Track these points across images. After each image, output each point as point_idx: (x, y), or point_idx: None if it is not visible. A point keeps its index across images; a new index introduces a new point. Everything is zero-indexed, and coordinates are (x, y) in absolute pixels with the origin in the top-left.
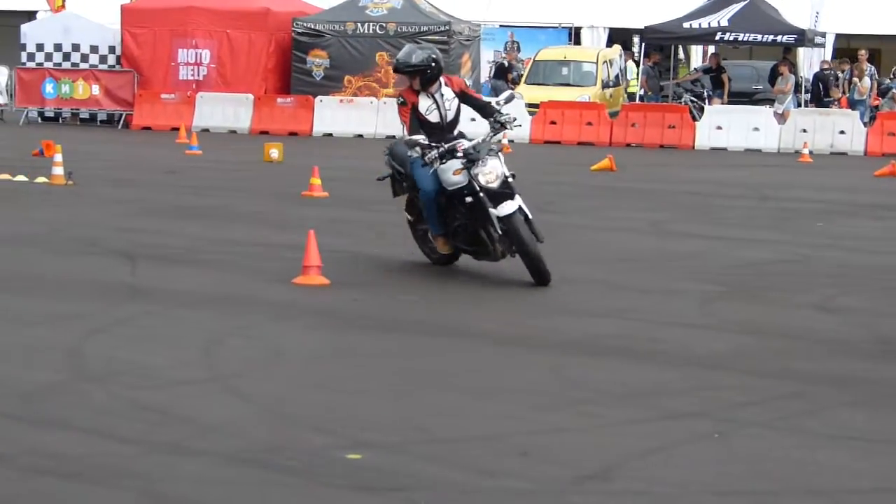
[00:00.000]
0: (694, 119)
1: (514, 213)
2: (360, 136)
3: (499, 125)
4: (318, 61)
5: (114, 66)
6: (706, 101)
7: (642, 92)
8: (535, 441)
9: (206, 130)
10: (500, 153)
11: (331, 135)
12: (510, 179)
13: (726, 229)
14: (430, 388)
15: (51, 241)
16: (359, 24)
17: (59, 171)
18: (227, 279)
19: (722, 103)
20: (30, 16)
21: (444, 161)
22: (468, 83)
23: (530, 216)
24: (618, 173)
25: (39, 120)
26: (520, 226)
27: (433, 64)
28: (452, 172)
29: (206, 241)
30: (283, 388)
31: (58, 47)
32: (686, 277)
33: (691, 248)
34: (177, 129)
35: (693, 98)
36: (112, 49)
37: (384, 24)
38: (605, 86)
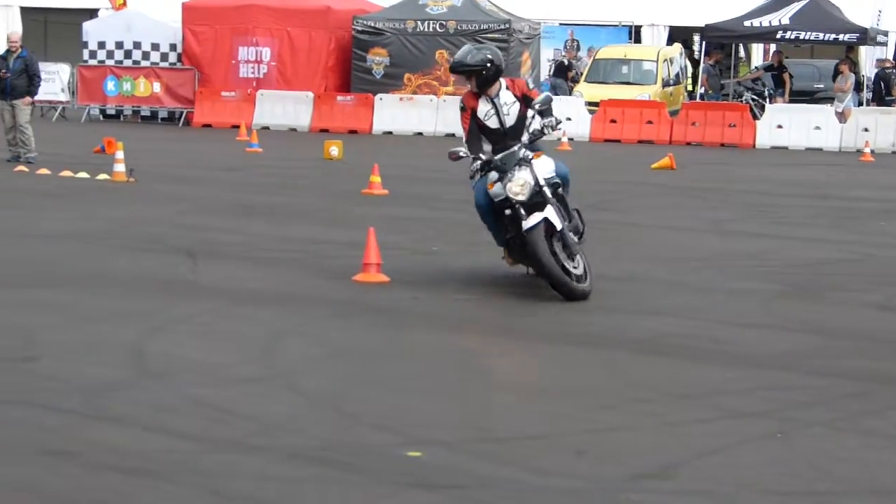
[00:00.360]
0: (755, 118)
1: (535, 226)
2: (420, 134)
3: (537, 132)
4: (378, 59)
5: (175, 64)
6: (767, 100)
7: (703, 90)
8: (594, 440)
9: (266, 128)
10: (532, 162)
11: (391, 133)
12: (545, 188)
13: (787, 228)
14: (489, 387)
15: (112, 238)
16: (419, 23)
17: (120, 168)
18: (288, 276)
19: (783, 102)
20: (91, 14)
21: (484, 172)
22: (529, 83)
23: (559, 227)
24: (678, 172)
25: (101, 117)
26: (537, 241)
27: (489, 64)
28: (487, 185)
29: (266, 239)
30: (342, 386)
31: (119, 45)
32: (747, 277)
33: (752, 248)
34: (237, 127)
35: (754, 97)
36: (173, 47)
37: (444, 22)
38: (666, 84)
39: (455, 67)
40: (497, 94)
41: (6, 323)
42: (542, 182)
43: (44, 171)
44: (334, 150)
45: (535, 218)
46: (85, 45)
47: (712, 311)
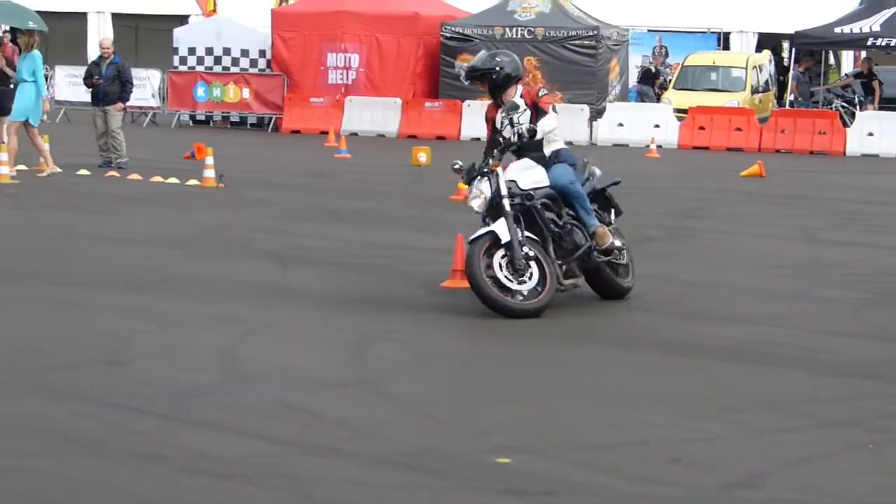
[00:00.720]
0: (845, 125)
1: (477, 238)
2: None
3: (506, 140)
4: (466, 65)
5: (264, 70)
6: (857, 107)
7: (792, 98)
8: (686, 448)
9: (355, 134)
10: (496, 173)
11: (478, 139)
12: (505, 199)
13: (878, 237)
14: (579, 394)
15: (202, 243)
16: (507, 29)
17: (210, 173)
18: (376, 282)
19: (873, 109)
20: (182, 20)
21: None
22: (540, 92)
23: (503, 240)
24: (767, 179)
25: (191, 123)
26: (470, 254)
27: (497, 69)
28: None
29: (354, 245)
30: (431, 392)
31: (209, 51)
32: (838, 285)
33: (843, 256)
34: (326, 133)
35: (844, 104)
36: (262, 53)
37: (532, 29)
38: (755, 91)
39: (467, 73)
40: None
41: (98, 326)
42: (503, 192)
43: (135, 176)
44: (422, 156)
45: (482, 230)
46: (175, 51)
47: (801, 319)
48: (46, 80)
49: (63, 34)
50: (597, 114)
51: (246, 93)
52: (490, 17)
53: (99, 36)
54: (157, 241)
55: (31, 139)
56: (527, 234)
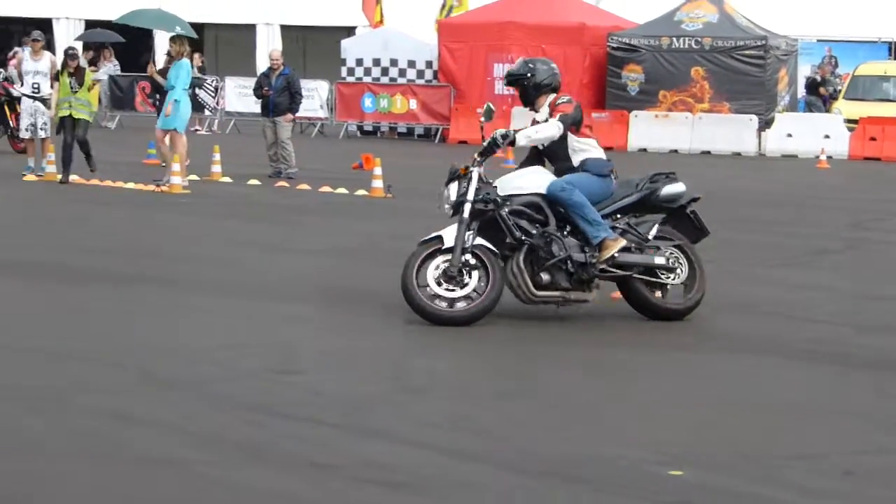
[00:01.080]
0: None
1: (425, 241)
2: (675, 151)
3: (485, 147)
4: (632, 76)
5: (430, 81)
6: None
7: None
8: (859, 461)
9: None
10: (461, 177)
11: (645, 150)
12: (466, 204)
13: None
14: (748, 406)
15: (371, 254)
16: (674, 39)
17: (378, 184)
18: None
19: None
20: (349, 31)
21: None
22: (560, 99)
23: (444, 246)
24: None
25: (358, 133)
26: (407, 263)
27: (529, 74)
28: None
29: None
30: (601, 401)
31: (376, 62)
32: None
33: None
34: None
35: None
36: (429, 64)
37: (699, 39)
38: None
39: (505, 78)
40: (539, 111)
41: (269, 336)
42: (469, 197)
43: (304, 186)
44: None
45: (431, 234)
46: (343, 62)
47: None
48: (216, 91)
49: (232, 46)
50: (765, 124)
51: (413, 103)
52: (657, 28)
53: (268, 47)
54: (327, 251)
55: (160, 142)
56: (481, 241)
